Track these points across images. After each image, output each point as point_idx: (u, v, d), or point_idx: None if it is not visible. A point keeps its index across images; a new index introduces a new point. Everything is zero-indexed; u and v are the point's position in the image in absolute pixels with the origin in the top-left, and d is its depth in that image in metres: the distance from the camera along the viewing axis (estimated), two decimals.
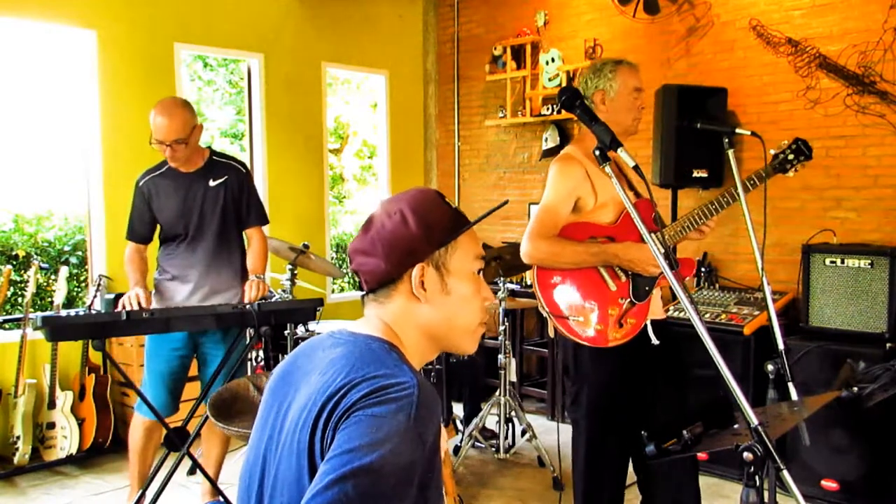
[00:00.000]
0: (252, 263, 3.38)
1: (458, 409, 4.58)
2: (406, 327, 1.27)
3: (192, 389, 3.54)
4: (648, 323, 2.56)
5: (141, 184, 3.29)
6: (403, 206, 1.25)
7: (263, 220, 3.46)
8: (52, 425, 4.10)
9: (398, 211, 1.25)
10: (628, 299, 2.50)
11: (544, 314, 2.55)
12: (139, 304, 3.00)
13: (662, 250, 2.50)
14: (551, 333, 2.76)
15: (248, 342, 3.34)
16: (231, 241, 3.36)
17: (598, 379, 2.55)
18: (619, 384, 2.54)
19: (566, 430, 2.77)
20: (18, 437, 4.00)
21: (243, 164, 3.41)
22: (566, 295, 2.51)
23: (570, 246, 2.47)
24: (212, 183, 3.27)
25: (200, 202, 3.25)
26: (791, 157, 2.65)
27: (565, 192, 2.52)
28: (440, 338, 1.30)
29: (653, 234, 2.48)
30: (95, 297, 4.35)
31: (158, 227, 3.33)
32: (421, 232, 1.24)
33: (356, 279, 1.29)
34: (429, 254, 1.25)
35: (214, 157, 3.32)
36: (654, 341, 2.55)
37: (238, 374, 3.24)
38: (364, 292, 1.29)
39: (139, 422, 3.28)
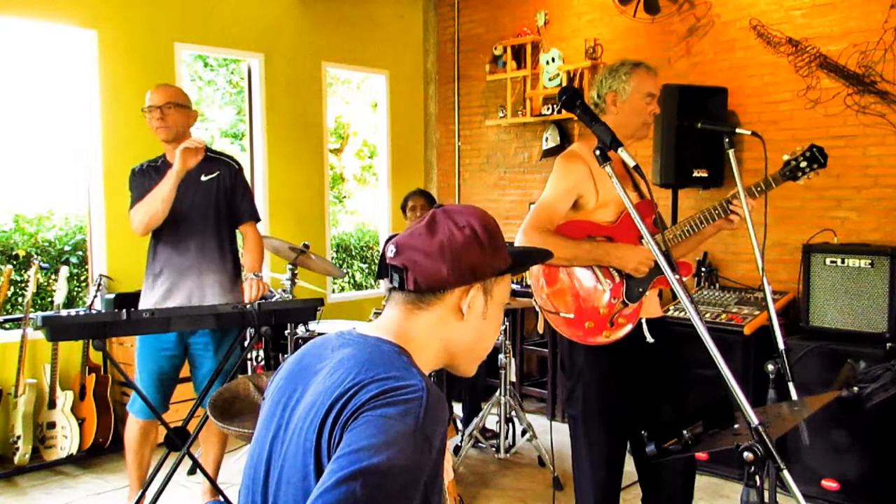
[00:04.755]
0: (249, 261, 3.36)
1: (458, 409, 4.58)
2: (432, 336, 1.28)
3: (185, 390, 3.53)
4: (644, 321, 2.56)
5: (137, 169, 3.29)
6: (475, 224, 1.27)
7: (256, 216, 3.44)
8: (52, 425, 4.10)
9: (468, 226, 1.26)
10: (621, 300, 2.51)
11: (536, 308, 2.57)
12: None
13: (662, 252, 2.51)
14: (540, 329, 2.76)
15: (247, 342, 3.33)
16: (223, 237, 3.32)
17: (592, 375, 2.56)
18: (614, 380, 2.55)
19: (561, 430, 2.77)
20: (19, 437, 4.00)
21: (236, 161, 3.40)
22: (559, 291, 2.52)
23: (563, 241, 2.48)
24: (203, 178, 3.25)
25: (192, 196, 3.22)
26: (804, 164, 2.58)
27: (565, 188, 2.52)
28: (455, 355, 1.32)
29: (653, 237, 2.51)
30: (96, 296, 4.35)
31: None
32: (488, 255, 1.27)
33: (395, 272, 1.27)
34: (487, 277, 1.29)
35: (207, 153, 3.29)
36: (649, 339, 2.56)
37: (235, 376, 3.23)
38: (399, 288, 1.27)
39: (133, 422, 3.27)
